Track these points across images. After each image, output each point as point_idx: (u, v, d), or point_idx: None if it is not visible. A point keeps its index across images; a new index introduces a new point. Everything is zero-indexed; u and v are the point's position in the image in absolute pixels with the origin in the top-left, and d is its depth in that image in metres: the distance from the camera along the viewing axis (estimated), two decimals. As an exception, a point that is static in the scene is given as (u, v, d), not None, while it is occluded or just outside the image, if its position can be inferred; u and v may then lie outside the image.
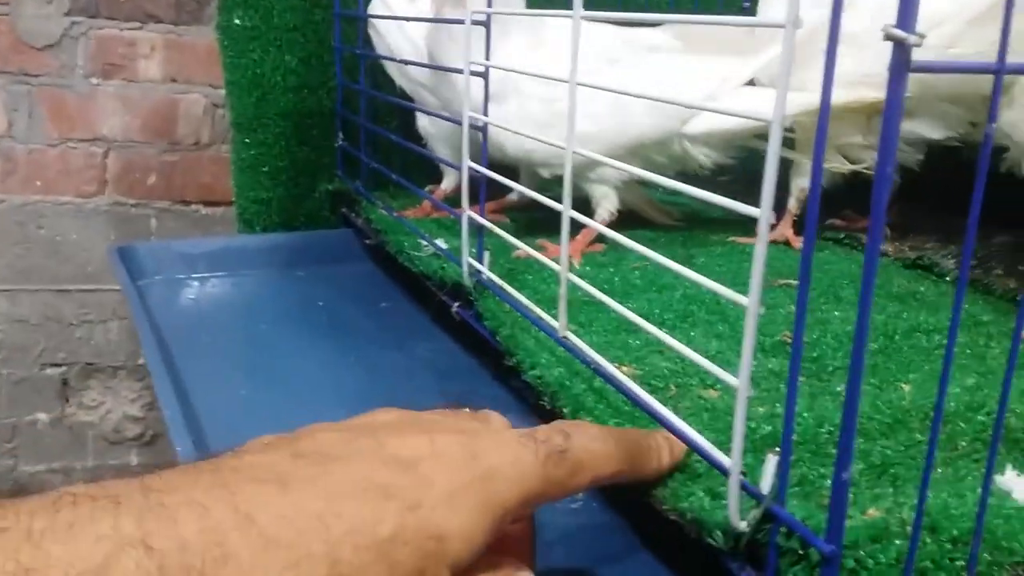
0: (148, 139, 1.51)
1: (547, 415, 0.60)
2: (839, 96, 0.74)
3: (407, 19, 0.90)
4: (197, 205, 1.56)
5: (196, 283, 0.92)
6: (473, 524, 0.30)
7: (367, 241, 0.94)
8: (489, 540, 0.31)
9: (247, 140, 1.02)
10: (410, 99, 0.96)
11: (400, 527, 0.28)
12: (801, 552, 0.35)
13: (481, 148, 0.66)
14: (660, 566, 0.47)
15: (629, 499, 0.48)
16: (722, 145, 0.81)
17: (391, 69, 0.96)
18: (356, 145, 0.99)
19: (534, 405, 0.68)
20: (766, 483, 0.37)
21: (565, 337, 0.53)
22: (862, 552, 0.35)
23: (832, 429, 0.47)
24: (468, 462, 0.31)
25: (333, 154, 1.05)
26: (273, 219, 1.05)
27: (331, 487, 0.28)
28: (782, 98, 0.34)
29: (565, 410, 0.52)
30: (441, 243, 0.77)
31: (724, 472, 0.38)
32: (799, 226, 0.87)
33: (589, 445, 0.36)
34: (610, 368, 0.48)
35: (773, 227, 0.91)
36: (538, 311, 0.57)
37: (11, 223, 1.48)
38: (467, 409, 0.39)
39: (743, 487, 0.37)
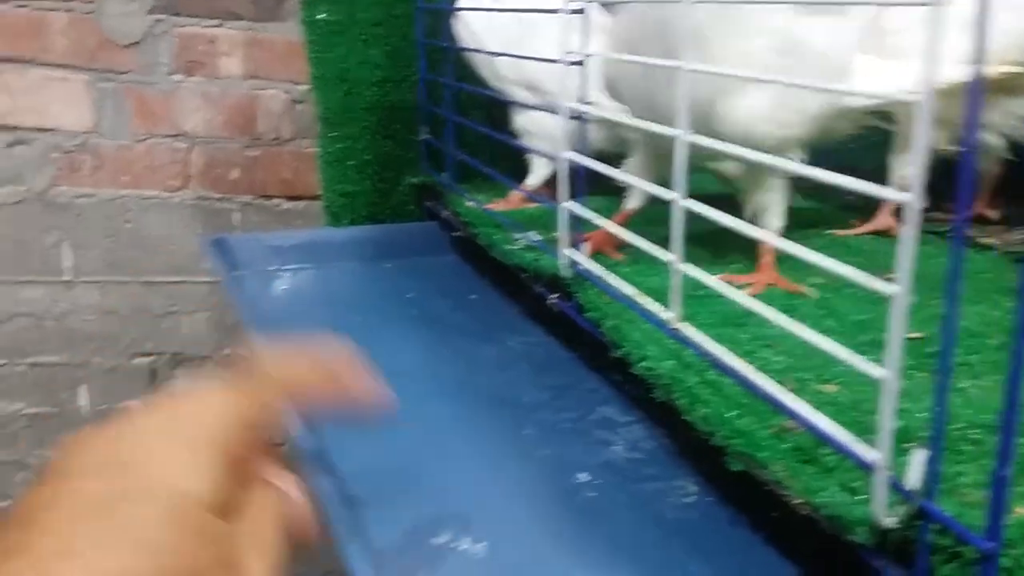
0: (230, 135, 1.53)
1: (655, 408, 0.59)
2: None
3: (495, 10, 0.89)
4: (279, 199, 1.58)
5: (286, 275, 0.93)
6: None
7: (454, 233, 0.94)
8: None
9: (333, 134, 1.03)
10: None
11: None
12: (954, 550, 0.34)
13: (579, 139, 0.65)
14: (784, 562, 0.46)
15: (748, 493, 0.47)
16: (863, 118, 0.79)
17: (484, 71, 0.95)
18: (440, 138, 0.99)
19: (635, 397, 0.67)
20: (913, 479, 0.35)
21: (677, 329, 0.52)
22: (1020, 550, 0.33)
23: (963, 425, 0.46)
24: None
25: (417, 148, 1.06)
26: (359, 212, 1.05)
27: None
28: (930, 76, 0.33)
29: (681, 402, 0.51)
30: (534, 235, 0.77)
31: (865, 467, 0.37)
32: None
33: None
34: (732, 360, 0.48)
35: (871, 217, 0.89)
36: (648, 303, 0.56)
37: (100, 217, 1.51)
38: None
39: (890, 483, 0.36)
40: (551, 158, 0.91)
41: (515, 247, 0.77)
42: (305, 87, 1.53)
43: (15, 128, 1.46)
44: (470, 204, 0.90)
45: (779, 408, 0.46)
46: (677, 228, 0.50)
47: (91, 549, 0.26)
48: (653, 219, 0.83)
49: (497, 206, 0.92)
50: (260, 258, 0.93)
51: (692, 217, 0.50)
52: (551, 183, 0.97)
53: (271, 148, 1.56)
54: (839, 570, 0.44)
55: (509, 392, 0.68)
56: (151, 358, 1.60)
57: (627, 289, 0.59)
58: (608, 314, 0.62)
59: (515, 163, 1.04)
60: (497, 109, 1.06)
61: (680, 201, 0.48)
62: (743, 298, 0.46)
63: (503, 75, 0.92)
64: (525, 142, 0.94)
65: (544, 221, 0.89)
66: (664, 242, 0.56)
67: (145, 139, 1.50)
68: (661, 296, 0.58)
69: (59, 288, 1.53)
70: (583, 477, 0.55)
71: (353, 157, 1.03)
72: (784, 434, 0.46)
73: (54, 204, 1.50)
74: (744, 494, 0.52)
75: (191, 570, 0.27)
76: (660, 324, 0.55)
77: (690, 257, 0.77)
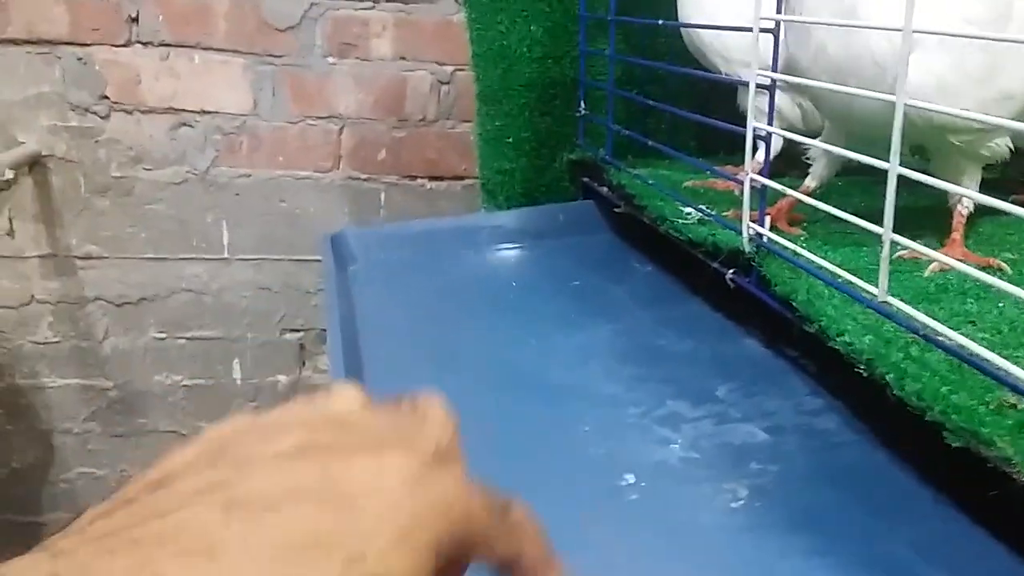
0: (379, 116, 1.57)
1: (842, 384, 0.57)
2: None
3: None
4: (423, 180, 1.61)
5: (401, 266, 0.92)
6: (417, 567, 0.26)
7: (616, 210, 0.93)
8: None
9: (492, 112, 1.04)
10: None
11: None
12: None
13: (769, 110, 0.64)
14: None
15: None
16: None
17: (703, 46, 0.92)
18: (598, 114, 0.99)
19: (815, 372, 0.65)
20: None
21: (885, 302, 0.51)
22: None
23: None
24: (415, 494, 0.27)
25: (574, 124, 1.05)
26: (515, 189, 1.06)
27: (267, 548, 0.25)
28: None
29: (888, 376, 0.49)
30: (706, 208, 0.75)
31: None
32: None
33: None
34: (950, 332, 0.46)
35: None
36: (848, 276, 0.54)
37: (257, 196, 1.57)
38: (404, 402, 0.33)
39: None
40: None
41: (687, 221, 0.76)
42: (451, 68, 1.55)
43: (180, 111, 1.53)
44: (635, 179, 0.89)
45: (1000, 382, 0.44)
46: (890, 197, 0.48)
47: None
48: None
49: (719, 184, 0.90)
50: (376, 250, 0.92)
51: (861, 195, 0.48)
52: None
53: (417, 129, 1.58)
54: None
55: (682, 372, 0.68)
56: (300, 334, 1.66)
57: (824, 263, 0.57)
58: (798, 289, 0.60)
59: (675, 138, 1.03)
60: (661, 85, 1.05)
61: (896, 169, 0.47)
62: (973, 271, 0.44)
63: (725, 54, 0.89)
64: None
65: (709, 196, 0.87)
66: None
67: (299, 121, 1.56)
68: (846, 271, 0.57)
69: (218, 265, 1.61)
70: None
71: (510, 134, 1.04)
72: (1007, 409, 0.44)
73: (214, 184, 1.57)
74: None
75: None
76: (861, 298, 0.54)
77: (871, 235, 0.75)
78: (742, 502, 0.48)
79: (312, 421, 0.30)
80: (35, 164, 1.49)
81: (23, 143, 1.48)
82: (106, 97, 1.50)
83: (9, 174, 1.29)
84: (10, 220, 1.53)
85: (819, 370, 0.66)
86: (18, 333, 1.57)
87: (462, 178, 1.61)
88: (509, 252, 0.97)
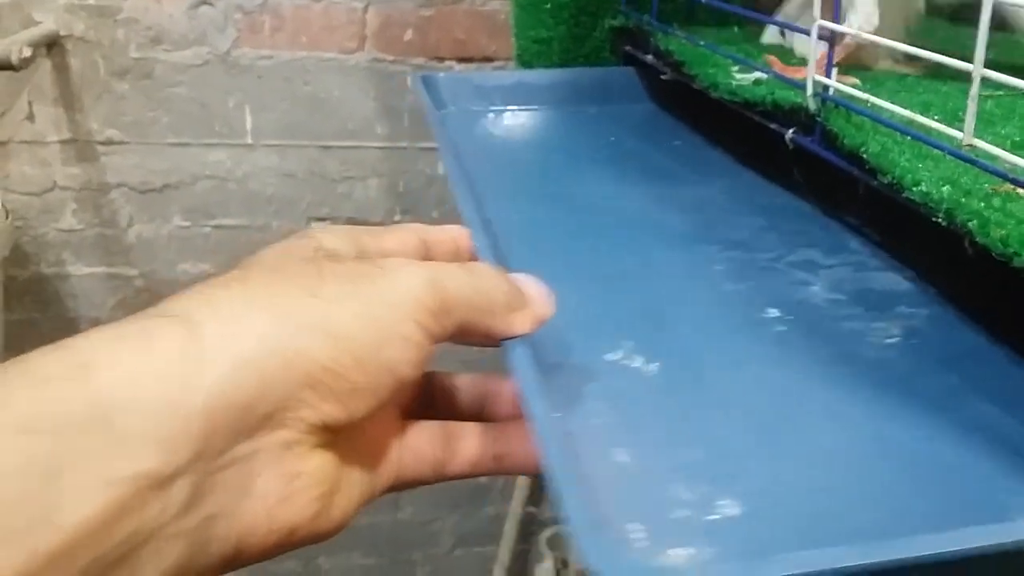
0: (405, -8, 1.50)
1: (926, 237, 0.54)
2: None
3: None
4: (451, 61, 1.55)
5: (489, 115, 0.91)
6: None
7: (662, 76, 0.89)
8: None
9: (529, -24, 0.98)
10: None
11: None
12: None
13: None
14: None
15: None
16: None
17: None
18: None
19: (879, 241, 0.62)
20: None
21: (970, 146, 0.47)
22: None
23: None
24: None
25: (616, -11, 1.00)
26: (552, 59, 1.01)
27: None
28: None
29: (971, 224, 0.46)
30: (764, 67, 0.71)
31: None
32: None
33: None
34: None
35: None
36: (927, 122, 0.51)
37: (279, 79, 1.53)
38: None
39: None
40: None
41: (743, 83, 0.71)
42: (480, -59, 1.48)
43: (199, -12, 1.47)
44: (684, 42, 0.84)
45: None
46: (983, 30, 0.43)
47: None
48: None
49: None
50: (464, 97, 0.90)
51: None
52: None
53: (445, 7, 1.52)
54: None
55: (734, 234, 0.64)
56: (326, 222, 1.63)
57: (902, 111, 0.53)
58: (867, 141, 0.56)
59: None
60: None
61: (977, 72, 0.42)
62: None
63: None
64: None
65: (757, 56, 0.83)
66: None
67: (322, -1, 1.50)
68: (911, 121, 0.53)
69: (241, 151, 1.57)
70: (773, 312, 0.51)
71: (549, 0, 0.99)
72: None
73: (236, 66, 1.52)
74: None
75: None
76: (942, 145, 0.50)
77: (937, 92, 0.71)
78: (896, 339, 0.47)
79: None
80: (53, 45, 1.45)
81: (40, 23, 1.44)
82: (122, -27, 1.45)
83: (27, 51, 1.25)
84: (29, 104, 1.49)
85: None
86: (42, 220, 1.55)
87: (491, 59, 1.56)
88: (599, 110, 0.94)
